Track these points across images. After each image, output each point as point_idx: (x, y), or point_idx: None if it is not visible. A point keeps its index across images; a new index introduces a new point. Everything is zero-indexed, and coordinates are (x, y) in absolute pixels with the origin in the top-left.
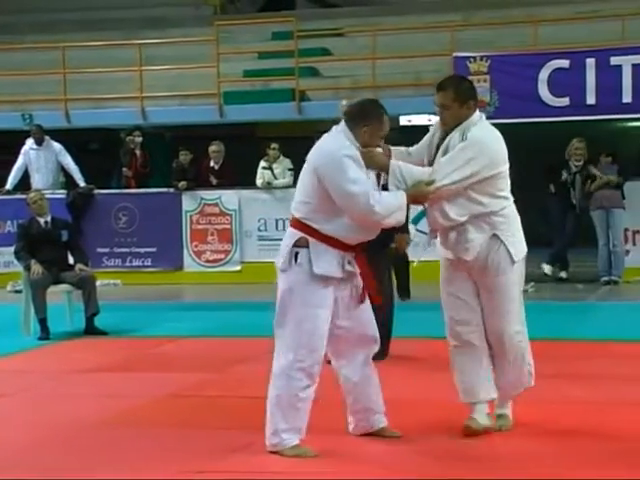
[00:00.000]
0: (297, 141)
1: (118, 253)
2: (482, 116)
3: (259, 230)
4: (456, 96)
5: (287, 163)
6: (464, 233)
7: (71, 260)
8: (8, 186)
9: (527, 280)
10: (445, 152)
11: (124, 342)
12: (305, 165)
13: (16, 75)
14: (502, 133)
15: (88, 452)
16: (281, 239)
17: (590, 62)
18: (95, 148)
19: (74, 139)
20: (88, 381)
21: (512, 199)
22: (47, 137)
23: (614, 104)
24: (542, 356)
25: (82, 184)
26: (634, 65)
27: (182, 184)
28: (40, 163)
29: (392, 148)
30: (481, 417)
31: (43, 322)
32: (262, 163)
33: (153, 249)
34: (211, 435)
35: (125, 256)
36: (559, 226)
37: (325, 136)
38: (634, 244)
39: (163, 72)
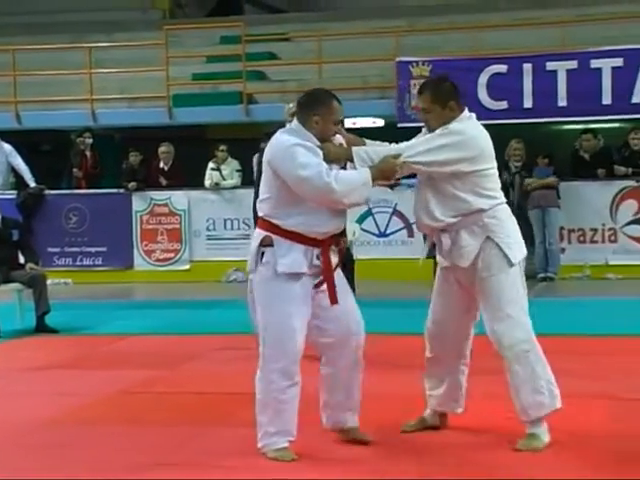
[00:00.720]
0: (245, 143)
1: (69, 252)
2: (472, 116)
3: (208, 230)
4: (435, 98)
5: (235, 164)
6: (458, 239)
7: (22, 259)
8: None
9: None
10: None
11: (75, 340)
12: (263, 163)
13: None
14: None
15: (40, 451)
16: (229, 238)
17: (527, 67)
18: (46, 149)
19: (25, 140)
20: (38, 379)
21: (503, 199)
22: None
23: (550, 107)
24: (481, 352)
25: (32, 184)
26: (568, 70)
27: (132, 185)
28: None
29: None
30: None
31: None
32: (210, 164)
33: (103, 248)
34: (161, 431)
35: (76, 255)
36: None
37: (278, 132)
38: (569, 242)
39: (113, 75)
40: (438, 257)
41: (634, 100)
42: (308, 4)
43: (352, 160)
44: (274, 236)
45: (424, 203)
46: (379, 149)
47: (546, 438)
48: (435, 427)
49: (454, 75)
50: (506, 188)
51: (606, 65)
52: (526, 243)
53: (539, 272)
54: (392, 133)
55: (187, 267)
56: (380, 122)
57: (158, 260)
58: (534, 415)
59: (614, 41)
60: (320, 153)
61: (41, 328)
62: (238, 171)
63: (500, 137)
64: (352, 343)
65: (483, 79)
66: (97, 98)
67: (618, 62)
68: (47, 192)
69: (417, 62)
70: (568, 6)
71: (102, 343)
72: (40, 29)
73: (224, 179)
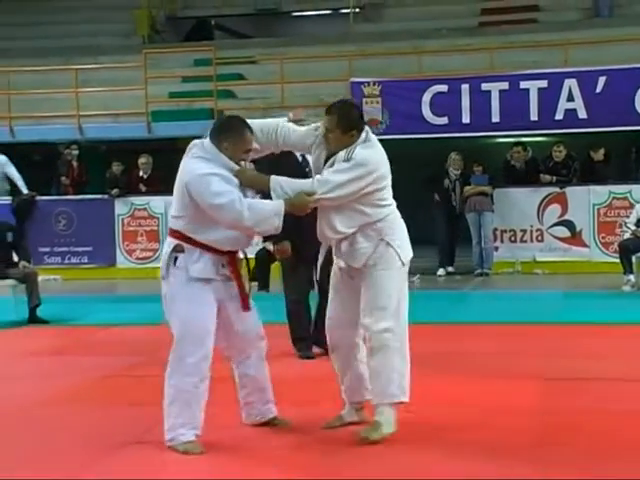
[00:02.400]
0: None
1: (58, 252)
2: (368, 134)
3: None
4: (339, 122)
5: None
6: (354, 243)
7: (16, 258)
8: None
9: (414, 273)
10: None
11: (63, 330)
12: (177, 182)
13: None
14: (392, 147)
15: (26, 430)
16: None
17: (465, 87)
18: (37, 160)
19: (18, 152)
20: (28, 364)
21: (394, 204)
22: None
23: (485, 123)
24: (424, 337)
25: (25, 191)
26: (500, 91)
27: (115, 191)
28: None
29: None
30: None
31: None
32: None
33: (89, 248)
34: (139, 411)
35: (64, 254)
36: (443, 228)
37: (190, 155)
38: (502, 241)
39: (97, 93)
40: (335, 258)
41: (557, 117)
42: (272, 31)
43: (268, 191)
44: (186, 245)
45: (327, 219)
46: (295, 183)
47: (389, 429)
48: (354, 423)
49: (400, 94)
50: (448, 193)
51: (533, 86)
52: (464, 243)
53: (476, 268)
54: None
55: None
56: None
57: (138, 258)
58: (382, 401)
59: (538, 65)
60: (234, 180)
61: (33, 319)
62: None
63: (441, 148)
64: (258, 344)
65: (426, 97)
66: (84, 114)
67: (543, 84)
68: (38, 198)
69: (368, 82)
70: (495, 34)
71: (88, 333)
72: (33, 53)
73: None
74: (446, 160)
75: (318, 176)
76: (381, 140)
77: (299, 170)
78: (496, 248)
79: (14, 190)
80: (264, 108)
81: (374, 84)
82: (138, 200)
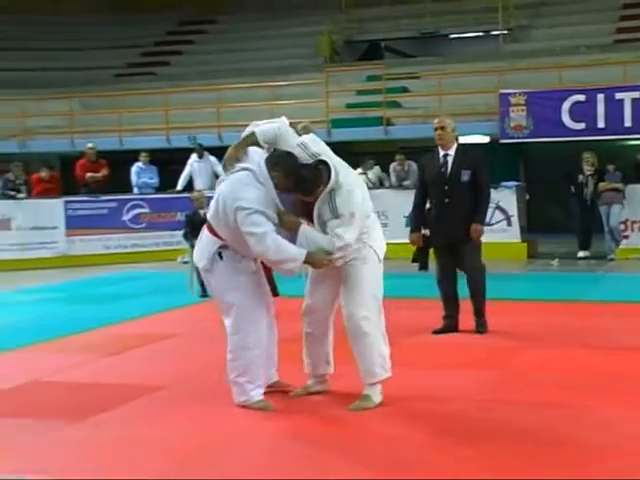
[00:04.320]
0: (384, 155)
1: None
2: (334, 168)
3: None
4: (303, 194)
5: (378, 170)
6: None
7: None
8: (178, 187)
9: (553, 257)
10: (318, 214)
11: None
12: (224, 194)
13: (185, 109)
14: (536, 149)
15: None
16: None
17: (600, 97)
18: None
19: (224, 154)
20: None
21: (372, 211)
22: (206, 152)
23: (618, 128)
24: (565, 313)
25: None
26: (633, 99)
27: None
28: (201, 171)
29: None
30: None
31: (203, 284)
32: (359, 170)
33: None
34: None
35: None
36: (578, 216)
37: (244, 174)
38: (632, 230)
39: (287, 105)
40: None
41: None
42: (432, 51)
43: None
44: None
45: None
46: (317, 240)
47: (377, 399)
48: (319, 392)
49: (543, 103)
50: (581, 187)
51: None
52: (596, 232)
53: (608, 254)
54: (495, 147)
55: None
56: (486, 139)
57: None
58: (368, 381)
59: None
60: (272, 216)
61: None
62: (380, 176)
63: (579, 150)
64: (268, 314)
65: (566, 106)
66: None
67: None
68: None
69: (515, 93)
70: (629, 50)
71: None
72: (237, 73)
73: (370, 182)
74: (580, 159)
75: (335, 238)
76: (525, 143)
77: None
78: (626, 236)
79: None
80: (424, 116)
81: (520, 95)
82: None
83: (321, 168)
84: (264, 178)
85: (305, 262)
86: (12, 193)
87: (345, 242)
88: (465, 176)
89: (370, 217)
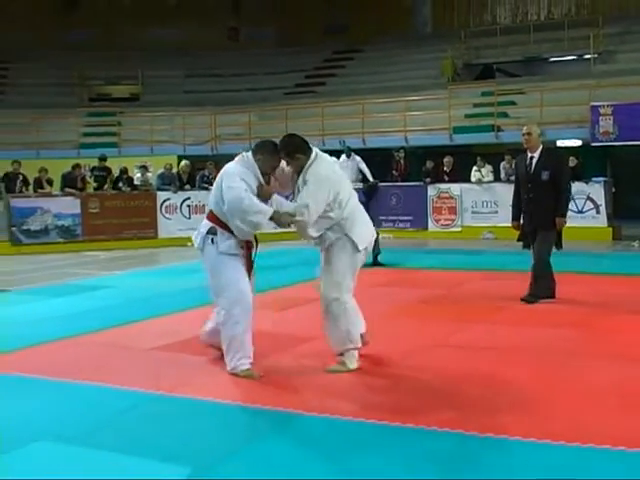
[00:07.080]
0: (495, 155)
1: (391, 219)
2: (317, 154)
3: (472, 207)
4: (285, 154)
5: (489, 168)
6: (324, 236)
7: None
8: None
9: (634, 239)
10: (297, 189)
11: (393, 270)
12: (218, 178)
13: (337, 119)
14: (622, 151)
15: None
16: (485, 213)
17: None
18: (378, 160)
19: (366, 154)
20: (373, 292)
21: (353, 204)
22: (352, 152)
23: None
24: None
25: (371, 180)
26: None
27: (427, 180)
28: (348, 168)
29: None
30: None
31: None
32: (474, 167)
33: (410, 217)
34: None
35: (395, 221)
36: None
37: (235, 160)
38: None
39: (417, 116)
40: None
41: None
42: (535, 71)
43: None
44: (218, 228)
45: (304, 228)
46: (284, 203)
47: (352, 365)
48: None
49: (628, 112)
50: None
51: None
52: None
53: None
54: (587, 149)
55: (459, 229)
56: (579, 142)
57: (442, 225)
58: (337, 350)
59: None
60: (253, 187)
61: (376, 263)
62: (491, 172)
63: None
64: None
65: None
66: (408, 129)
67: None
68: (379, 184)
69: (603, 105)
70: None
71: (409, 272)
72: (379, 90)
73: (483, 177)
74: None
75: (298, 202)
76: (612, 146)
77: None
78: None
79: (364, 179)
80: (528, 124)
81: (608, 106)
82: (443, 186)
83: (305, 142)
84: (249, 164)
85: (271, 219)
86: (207, 185)
87: (306, 205)
88: (544, 176)
89: (349, 208)
